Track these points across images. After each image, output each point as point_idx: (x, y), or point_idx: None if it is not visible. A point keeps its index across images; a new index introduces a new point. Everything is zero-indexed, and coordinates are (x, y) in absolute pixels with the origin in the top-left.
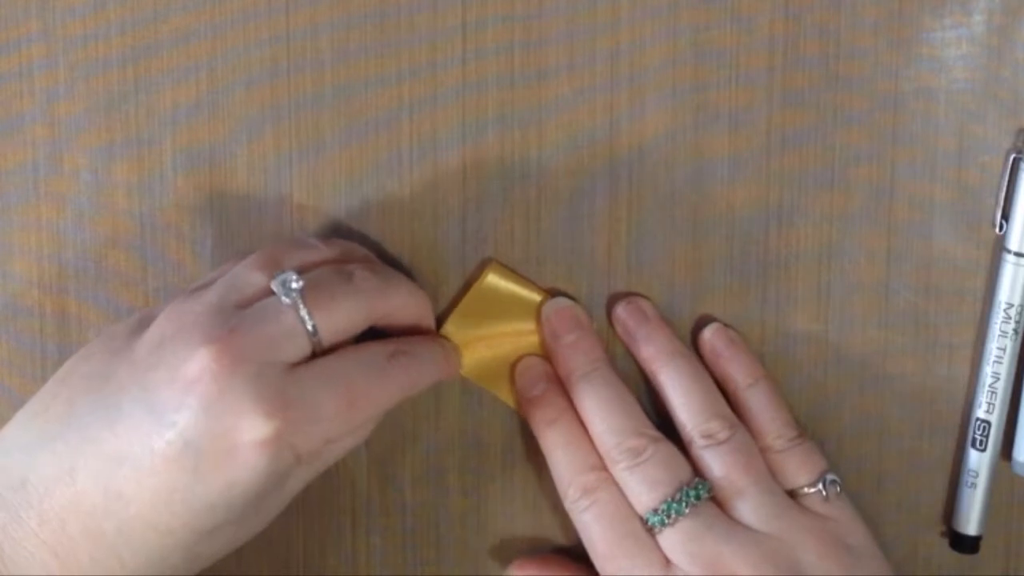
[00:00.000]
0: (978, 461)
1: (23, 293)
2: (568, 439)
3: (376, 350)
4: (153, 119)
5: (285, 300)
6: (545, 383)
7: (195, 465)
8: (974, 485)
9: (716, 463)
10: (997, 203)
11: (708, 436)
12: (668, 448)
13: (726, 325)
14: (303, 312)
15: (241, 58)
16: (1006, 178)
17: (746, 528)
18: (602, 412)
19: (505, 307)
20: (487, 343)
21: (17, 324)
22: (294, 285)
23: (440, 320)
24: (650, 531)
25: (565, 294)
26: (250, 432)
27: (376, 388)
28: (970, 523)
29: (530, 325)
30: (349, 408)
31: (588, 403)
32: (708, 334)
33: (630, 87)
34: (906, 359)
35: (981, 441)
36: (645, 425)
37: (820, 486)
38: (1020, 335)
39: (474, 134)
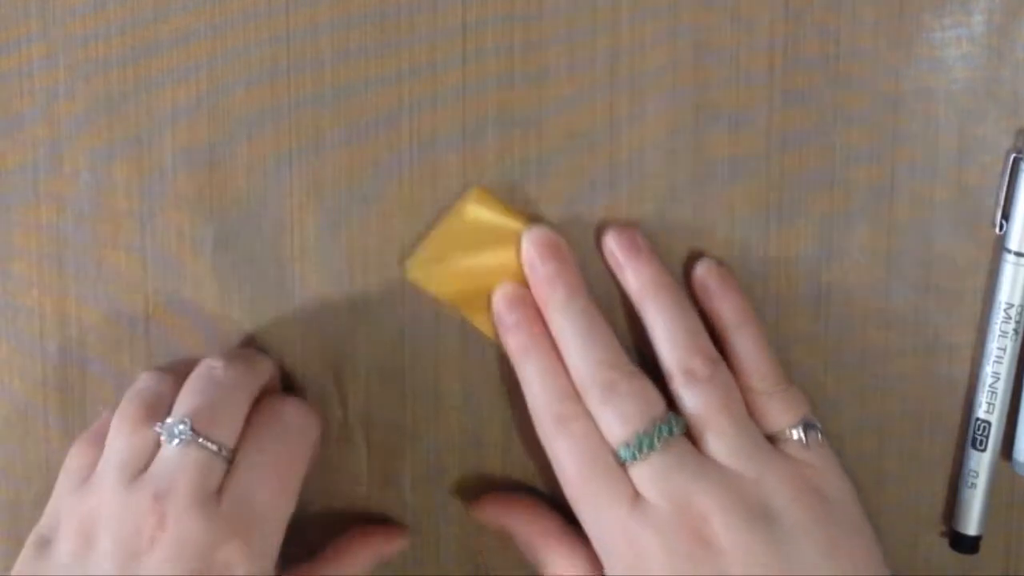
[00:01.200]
0: (978, 461)
1: (23, 294)
2: (544, 368)
3: (267, 427)
4: (153, 119)
5: (180, 441)
6: (522, 310)
7: None
8: (974, 485)
9: (694, 400)
10: (997, 203)
11: (689, 372)
12: (643, 382)
13: (720, 262)
14: (205, 443)
15: (241, 58)
16: (1006, 178)
17: (719, 466)
18: (578, 343)
19: (487, 235)
20: (467, 269)
21: (17, 325)
22: (181, 427)
23: (419, 241)
24: (621, 464)
25: (548, 223)
26: (230, 566)
27: (294, 454)
28: (970, 523)
29: (511, 253)
30: (283, 489)
31: (564, 334)
32: (700, 270)
33: (630, 87)
34: (906, 359)
35: (981, 441)
36: (621, 358)
37: (800, 431)
38: (1020, 335)
39: (474, 134)
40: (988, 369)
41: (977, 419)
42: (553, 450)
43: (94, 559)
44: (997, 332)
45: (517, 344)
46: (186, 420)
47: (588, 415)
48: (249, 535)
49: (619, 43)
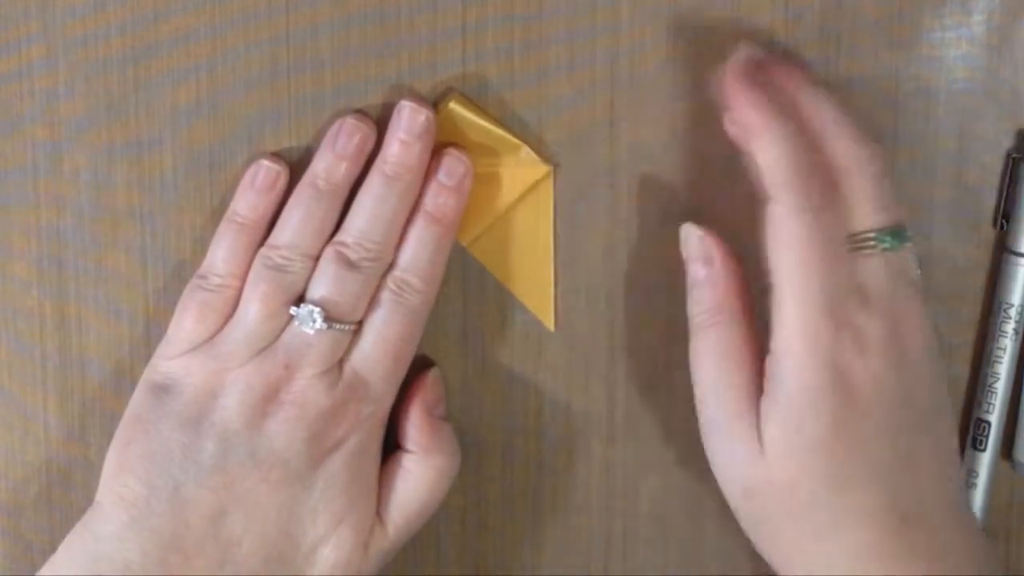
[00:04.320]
0: (978, 461)
1: (23, 295)
2: (797, 142)
3: (394, 302)
4: (153, 119)
5: (316, 327)
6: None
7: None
8: (974, 485)
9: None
10: (997, 203)
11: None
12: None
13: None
14: (336, 326)
15: (241, 58)
16: (1006, 178)
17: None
18: (849, 119)
19: (465, 136)
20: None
21: (17, 326)
22: (316, 316)
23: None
24: (855, 249)
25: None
26: (346, 430)
27: (413, 330)
28: None
29: (490, 159)
30: (400, 361)
31: (827, 108)
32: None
33: (630, 87)
34: None
35: (981, 441)
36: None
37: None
38: (1020, 335)
39: None
40: (988, 369)
41: (977, 419)
42: (788, 229)
43: (219, 414)
44: (997, 332)
45: (760, 105)
46: (320, 309)
47: (839, 202)
48: (364, 401)
49: (619, 43)
